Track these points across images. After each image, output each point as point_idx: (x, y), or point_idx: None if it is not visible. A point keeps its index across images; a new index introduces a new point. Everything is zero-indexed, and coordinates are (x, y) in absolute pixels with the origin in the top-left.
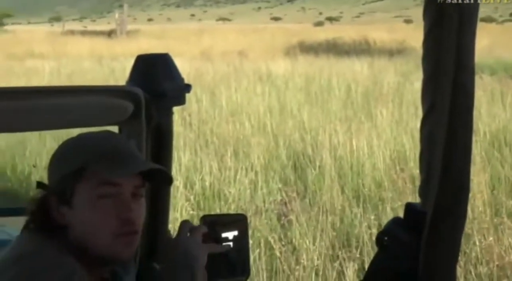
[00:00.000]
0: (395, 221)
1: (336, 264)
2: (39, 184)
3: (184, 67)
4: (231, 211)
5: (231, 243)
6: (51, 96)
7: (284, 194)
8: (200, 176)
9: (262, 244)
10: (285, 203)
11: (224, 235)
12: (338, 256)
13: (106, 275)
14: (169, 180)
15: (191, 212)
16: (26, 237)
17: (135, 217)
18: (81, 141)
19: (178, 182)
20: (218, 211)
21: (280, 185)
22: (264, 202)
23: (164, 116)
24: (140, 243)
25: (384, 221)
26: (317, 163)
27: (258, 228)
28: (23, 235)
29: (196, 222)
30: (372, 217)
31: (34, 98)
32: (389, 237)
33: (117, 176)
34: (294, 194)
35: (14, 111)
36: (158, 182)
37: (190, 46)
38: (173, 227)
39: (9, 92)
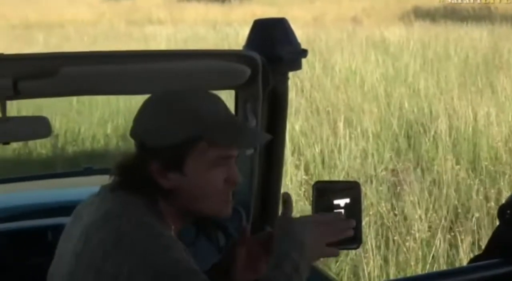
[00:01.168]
0: None
1: (449, 237)
2: (140, 145)
3: (297, 33)
4: (340, 179)
5: (342, 211)
6: (169, 60)
7: (396, 164)
8: (311, 143)
9: (371, 213)
10: (397, 173)
11: (335, 202)
12: (451, 229)
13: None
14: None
15: (301, 179)
16: (113, 197)
17: (239, 179)
18: (192, 106)
19: (287, 149)
20: (326, 179)
21: (392, 154)
22: (375, 171)
23: (280, 81)
24: (254, 205)
25: (504, 195)
26: (431, 132)
27: (368, 197)
28: (110, 194)
29: (304, 189)
30: (492, 191)
31: (152, 62)
32: None
33: (238, 147)
34: (407, 164)
35: (133, 74)
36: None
37: (302, 12)
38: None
39: (128, 55)
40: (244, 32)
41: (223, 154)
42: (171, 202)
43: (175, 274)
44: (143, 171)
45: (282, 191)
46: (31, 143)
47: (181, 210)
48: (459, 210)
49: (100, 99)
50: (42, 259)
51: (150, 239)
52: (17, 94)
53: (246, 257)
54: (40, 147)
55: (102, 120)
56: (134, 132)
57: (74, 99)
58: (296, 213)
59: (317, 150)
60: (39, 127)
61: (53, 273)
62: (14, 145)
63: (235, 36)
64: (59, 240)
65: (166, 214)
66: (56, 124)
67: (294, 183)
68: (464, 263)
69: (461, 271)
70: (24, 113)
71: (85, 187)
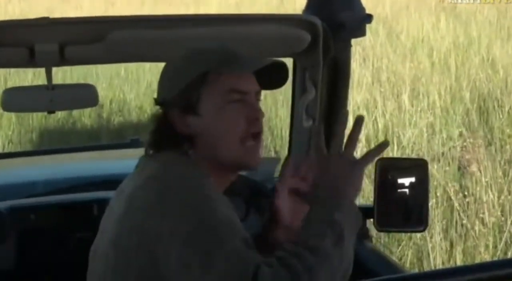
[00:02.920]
0: None
1: None
2: (158, 102)
3: None
4: (405, 156)
5: (407, 190)
6: (223, 25)
7: (466, 141)
8: (373, 117)
9: (439, 194)
10: (467, 151)
11: (400, 181)
12: None
13: (234, 178)
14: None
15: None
16: (151, 162)
17: (261, 116)
18: (195, 50)
19: (348, 123)
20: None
21: (462, 130)
22: (443, 148)
23: (342, 48)
24: None
25: None
26: (506, 108)
27: (435, 176)
28: (148, 161)
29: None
30: None
31: (205, 27)
32: None
33: (240, 71)
34: (478, 141)
35: (184, 40)
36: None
37: None
38: None
39: (179, 19)
40: None
41: (235, 87)
42: (199, 151)
43: (213, 224)
44: (167, 125)
45: None
46: (75, 112)
47: (211, 160)
48: None
49: (148, 66)
50: (87, 234)
51: (190, 191)
52: (63, 60)
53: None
54: (84, 117)
55: (150, 89)
56: (157, 97)
57: (121, 66)
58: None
59: (380, 124)
60: (86, 95)
61: (96, 250)
62: (58, 114)
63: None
64: (103, 216)
65: (200, 166)
66: (101, 93)
67: None
68: None
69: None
70: (68, 81)
71: (131, 160)
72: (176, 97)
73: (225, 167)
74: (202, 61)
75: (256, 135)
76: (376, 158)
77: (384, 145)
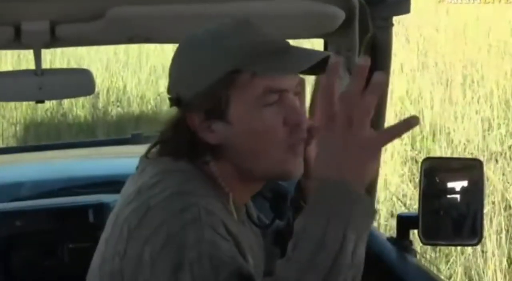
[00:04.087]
0: None
1: None
2: (175, 101)
3: None
4: (455, 156)
5: (458, 196)
6: (242, 0)
7: None
8: (418, 108)
9: (496, 200)
10: None
11: (450, 185)
12: None
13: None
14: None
15: (405, 155)
16: (153, 167)
17: (304, 120)
18: (221, 40)
19: (389, 115)
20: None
21: None
22: (501, 146)
23: (382, 28)
24: None
25: None
26: None
27: (491, 179)
28: (150, 165)
29: (408, 168)
30: None
31: (222, 2)
32: None
33: (283, 72)
34: None
35: (197, 18)
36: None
37: None
38: None
39: None
40: None
41: (272, 86)
42: (224, 162)
43: (196, 257)
44: (184, 129)
45: (380, 168)
46: (66, 102)
47: (241, 173)
48: None
49: (152, 48)
50: (81, 244)
51: (178, 213)
52: (55, 41)
53: None
54: (77, 108)
55: (154, 75)
56: (169, 88)
57: (121, 48)
58: (399, 196)
59: (426, 117)
60: (81, 82)
61: (93, 268)
62: (47, 104)
63: None
64: (101, 221)
65: (222, 180)
66: (97, 79)
67: (396, 159)
68: None
69: None
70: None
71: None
72: (199, 97)
73: (257, 179)
74: (231, 54)
75: (301, 140)
76: (401, 136)
77: (412, 121)
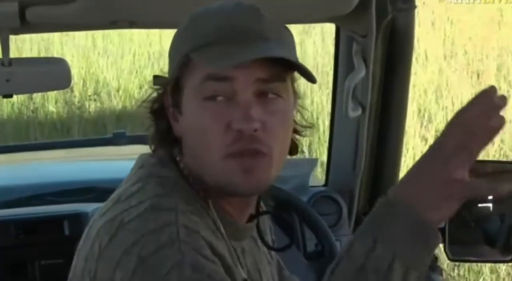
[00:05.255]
0: None
1: None
2: (156, 78)
3: None
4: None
5: (490, 205)
6: None
7: None
8: (443, 103)
9: None
10: None
11: None
12: None
13: (252, 211)
14: (311, 77)
15: None
16: (141, 171)
17: (251, 127)
18: (199, 17)
19: (410, 111)
20: None
21: None
22: None
23: (403, 10)
24: (361, 193)
25: None
26: None
27: None
28: (140, 168)
29: None
30: None
31: None
32: None
33: (218, 67)
34: None
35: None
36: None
37: None
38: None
39: None
40: None
41: (213, 79)
42: (185, 159)
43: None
44: (162, 116)
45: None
46: (37, 97)
47: (193, 172)
48: None
49: (136, 34)
50: (55, 261)
51: (152, 233)
52: (24, 25)
53: None
54: (49, 103)
55: (137, 65)
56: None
57: (99, 34)
58: None
59: (453, 113)
60: (55, 73)
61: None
62: (15, 99)
63: None
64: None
65: (193, 181)
66: (72, 70)
67: None
68: None
69: None
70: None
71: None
72: (167, 80)
73: (213, 189)
74: (188, 39)
75: (247, 153)
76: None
77: None
